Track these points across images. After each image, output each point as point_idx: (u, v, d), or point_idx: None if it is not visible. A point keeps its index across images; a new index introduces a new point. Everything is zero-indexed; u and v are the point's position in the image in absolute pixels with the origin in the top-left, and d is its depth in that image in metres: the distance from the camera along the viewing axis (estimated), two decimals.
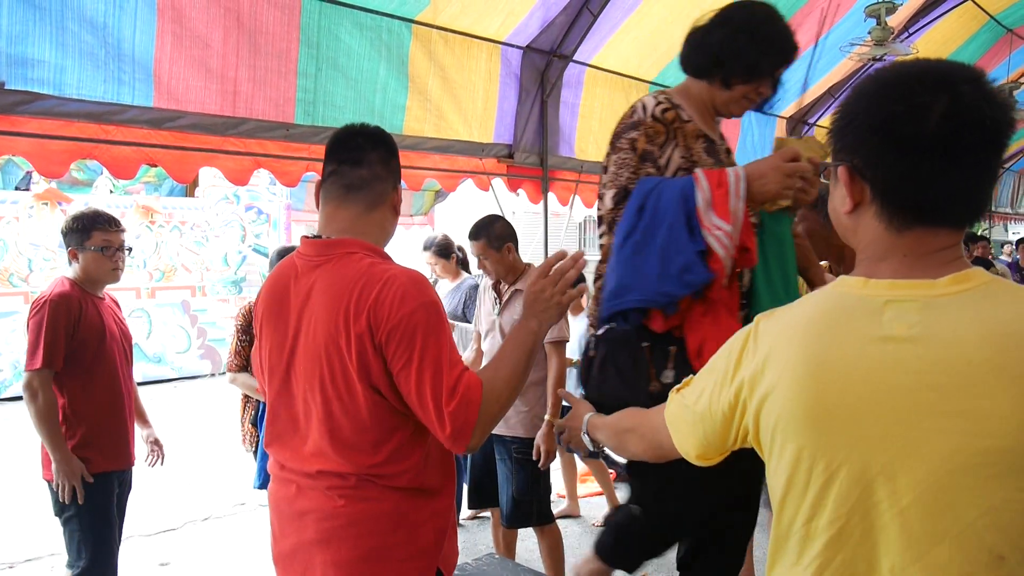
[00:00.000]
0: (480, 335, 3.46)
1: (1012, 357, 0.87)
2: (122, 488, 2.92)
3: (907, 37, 5.58)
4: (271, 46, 3.21)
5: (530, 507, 3.20)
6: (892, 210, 0.96)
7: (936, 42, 6.01)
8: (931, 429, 0.88)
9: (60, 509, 2.72)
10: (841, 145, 1.00)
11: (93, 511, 2.72)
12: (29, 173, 9.16)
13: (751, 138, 6.13)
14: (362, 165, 1.64)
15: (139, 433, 3.08)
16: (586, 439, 1.54)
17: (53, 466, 2.64)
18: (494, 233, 3.16)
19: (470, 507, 3.50)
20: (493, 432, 3.15)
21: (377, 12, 3.55)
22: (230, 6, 3.05)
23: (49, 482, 2.72)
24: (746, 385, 1.03)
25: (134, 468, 3.01)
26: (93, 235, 2.80)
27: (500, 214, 3.31)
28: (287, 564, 1.63)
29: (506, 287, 3.26)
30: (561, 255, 1.63)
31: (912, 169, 0.93)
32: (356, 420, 1.51)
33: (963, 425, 0.87)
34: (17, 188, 9.27)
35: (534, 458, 3.10)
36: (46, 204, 8.68)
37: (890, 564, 0.91)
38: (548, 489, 3.29)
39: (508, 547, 3.48)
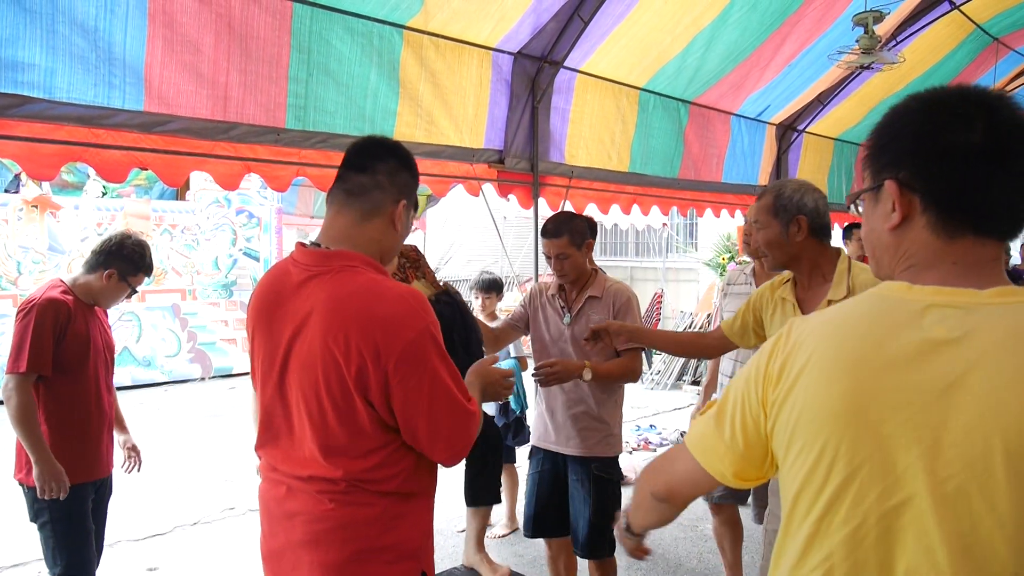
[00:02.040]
0: (544, 342, 3.05)
1: None
2: (100, 494, 2.90)
3: (895, 45, 5.62)
4: (262, 51, 3.22)
5: (607, 532, 2.89)
6: (945, 218, 0.98)
7: (923, 51, 6.07)
8: (960, 431, 0.89)
9: (35, 515, 2.71)
10: (884, 162, 1.03)
11: (67, 519, 2.70)
12: (18, 175, 9.12)
13: (741, 145, 6.17)
14: (365, 172, 1.64)
15: (117, 439, 3.05)
16: (626, 534, 1.45)
17: (34, 469, 2.61)
18: (576, 229, 2.87)
19: (528, 535, 3.13)
20: (567, 453, 3.01)
21: (368, 18, 3.56)
22: (221, 11, 3.06)
23: (21, 483, 2.70)
24: (774, 375, 1.03)
25: (115, 474, 2.99)
26: (140, 275, 2.82)
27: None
28: (275, 562, 1.66)
29: (575, 293, 2.97)
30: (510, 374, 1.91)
31: (964, 174, 0.95)
32: (351, 429, 1.53)
33: (993, 430, 0.87)
34: (7, 191, 9.23)
35: (539, 372, 2.78)
36: (36, 207, 8.65)
37: (905, 567, 0.90)
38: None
39: None
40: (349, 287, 1.53)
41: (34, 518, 2.71)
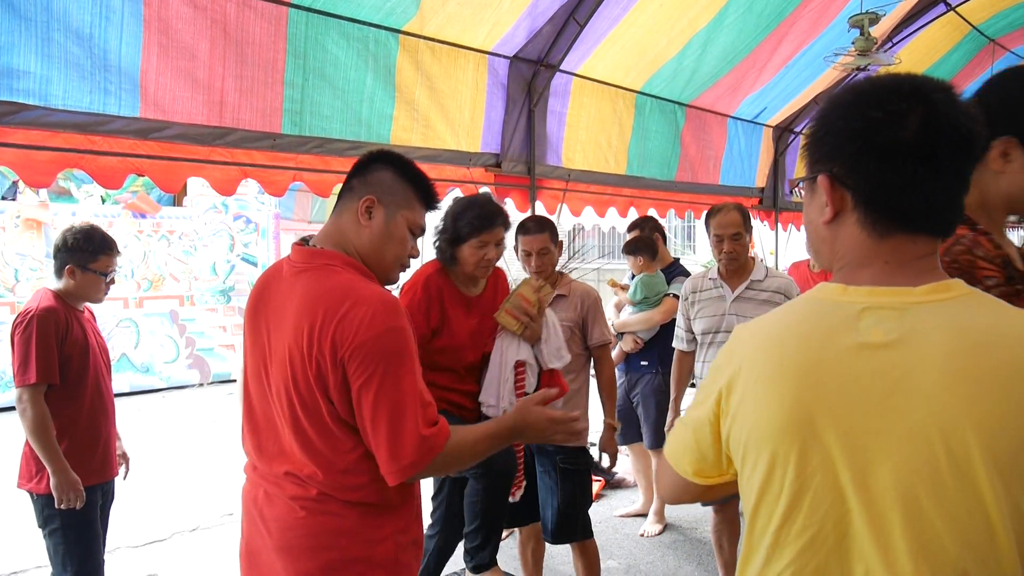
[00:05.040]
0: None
1: (985, 368, 0.89)
2: (105, 499, 2.91)
3: (891, 47, 5.63)
4: (258, 56, 3.21)
5: (576, 520, 3.07)
6: (875, 216, 0.97)
7: (919, 52, 6.08)
8: (903, 436, 0.90)
9: (44, 521, 2.71)
10: (819, 155, 1.02)
11: (78, 524, 2.71)
12: (15, 183, 9.11)
13: (738, 147, 6.18)
14: (347, 179, 1.73)
15: None
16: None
17: (51, 480, 2.62)
18: (554, 228, 3.07)
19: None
20: (532, 444, 3.05)
21: (364, 22, 3.56)
22: (216, 17, 3.05)
23: (30, 492, 2.71)
24: (724, 392, 1.04)
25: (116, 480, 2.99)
26: (100, 259, 2.79)
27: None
28: (251, 563, 1.69)
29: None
30: (575, 417, 1.74)
31: (893, 174, 0.94)
32: (319, 426, 1.55)
33: (935, 433, 0.88)
34: (3, 198, 9.22)
35: (601, 463, 3.09)
36: (33, 221, 8.64)
37: (864, 569, 0.92)
38: (591, 501, 3.17)
39: (536, 563, 3.34)
40: (324, 285, 1.56)
41: (43, 525, 2.71)
